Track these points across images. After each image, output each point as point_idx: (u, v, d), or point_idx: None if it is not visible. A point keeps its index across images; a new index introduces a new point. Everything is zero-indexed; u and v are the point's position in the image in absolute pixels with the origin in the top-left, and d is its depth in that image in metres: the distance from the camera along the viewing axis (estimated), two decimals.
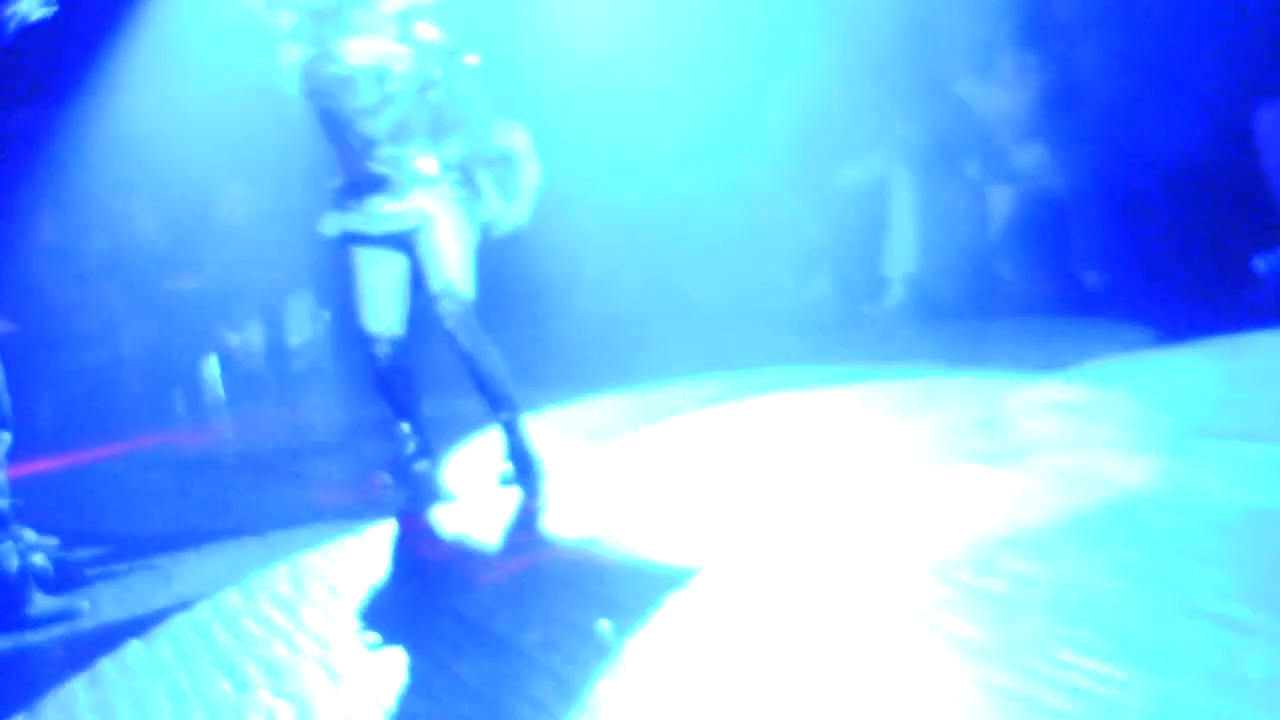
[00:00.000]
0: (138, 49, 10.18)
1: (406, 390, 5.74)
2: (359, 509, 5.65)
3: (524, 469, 5.64)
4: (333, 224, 5.61)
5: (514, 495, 5.51)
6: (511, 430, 5.67)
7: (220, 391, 10.27)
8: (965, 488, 4.40)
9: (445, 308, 5.52)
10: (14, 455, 4.79)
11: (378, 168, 5.50)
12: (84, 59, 10.21)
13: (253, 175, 10.07)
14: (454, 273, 5.54)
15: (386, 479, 5.78)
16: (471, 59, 5.56)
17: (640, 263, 9.80)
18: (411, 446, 5.75)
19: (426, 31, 5.50)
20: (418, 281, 5.61)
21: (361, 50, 5.43)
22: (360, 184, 5.52)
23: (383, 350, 5.59)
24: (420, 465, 5.78)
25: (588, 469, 5.72)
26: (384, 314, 5.59)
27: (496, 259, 5.81)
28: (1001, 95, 8.35)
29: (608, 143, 9.10)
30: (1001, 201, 8.16)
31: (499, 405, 5.65)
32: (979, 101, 8.48)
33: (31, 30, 9.70)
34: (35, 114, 10.31)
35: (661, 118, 9.18)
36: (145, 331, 10.36)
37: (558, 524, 5.03)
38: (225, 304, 10.56)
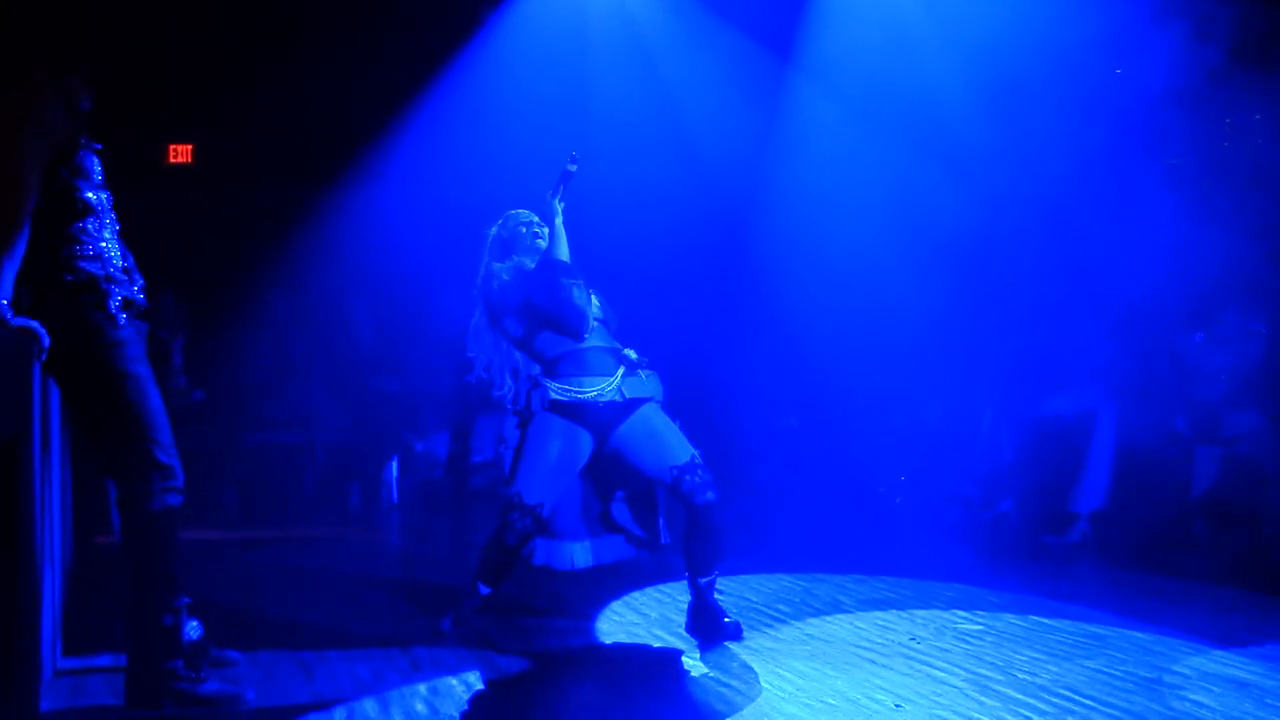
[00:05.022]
0: (400, 145, 10.64)
1: (511, 568, 5.76)
2: (502, 640, 5.76)
3: (712, 631, 5.68)
4: (538, 393, 5.68)
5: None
6: (709, 592, 5.72)
7: (394, 495, 10.51)
8: None
9: (700, 477, 5.59)
10: (191, 519, 4.96)
11: (592, 345, 5.71)
12: (343, 147, 10.70)
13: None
14: (688, 444, 5.67)
15: (443, 630, 5.77)
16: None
17: (829, 447, 9.88)
18: (479, 607, 5.79)
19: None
20: (617, 463, 5.73)
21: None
22: (574, 360, 5.67)
23: (524, 525, 5.59)
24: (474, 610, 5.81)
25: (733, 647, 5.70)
26: (549, 490, 5.63)
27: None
28: (1222, 354, 8.26)
29: (813, 333, 9.31)
30: (1207, 460, 8.01)
31: (710, 567, 5.70)
32: (1200, 357, 8.40)
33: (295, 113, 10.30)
34: (285, 194, 10.80)
35: (874, 315, 9.38)
36: (336, 424, 10.69)
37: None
38: (417, 411, 10.84)
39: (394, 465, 10.57)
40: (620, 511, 5.96)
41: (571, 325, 5.63)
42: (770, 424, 10.48)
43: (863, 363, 9.58)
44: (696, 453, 5.65)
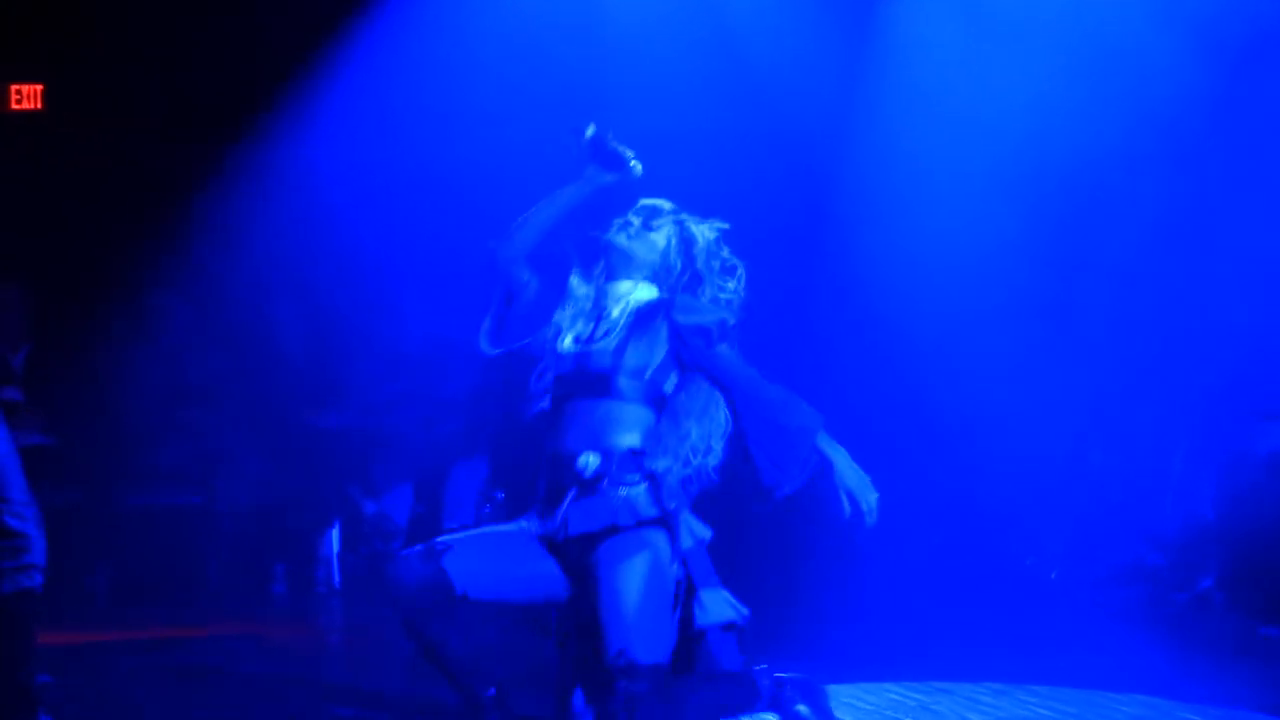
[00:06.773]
0: (339, 81, 10.60)
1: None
2: None
3: None
4: None
5: None
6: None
7: (334, 576, 10.43)
8: None
9: (622, 685, 5.12)
10: (54, 618, 4.92)
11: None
12: (256, 86, 10.66)
13: (442, 289, 10.27)
14: (638, 626, 5.18)
15: None
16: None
17: (954, 502, 9.86)
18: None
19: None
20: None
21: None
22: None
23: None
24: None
25: None
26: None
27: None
28: None
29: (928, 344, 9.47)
30: None
31: None
32: None
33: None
34: (175, 153, 10.70)
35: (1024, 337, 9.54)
36: (252, 477, 10.59)
37: None
38: (367, 458, 10.76)
39: (334, 534, 10.53)
40: None
41: None
42: (871, 466, 10.41)
43: (999, 385, 9.53)
44: (633, 641, 5.09)
